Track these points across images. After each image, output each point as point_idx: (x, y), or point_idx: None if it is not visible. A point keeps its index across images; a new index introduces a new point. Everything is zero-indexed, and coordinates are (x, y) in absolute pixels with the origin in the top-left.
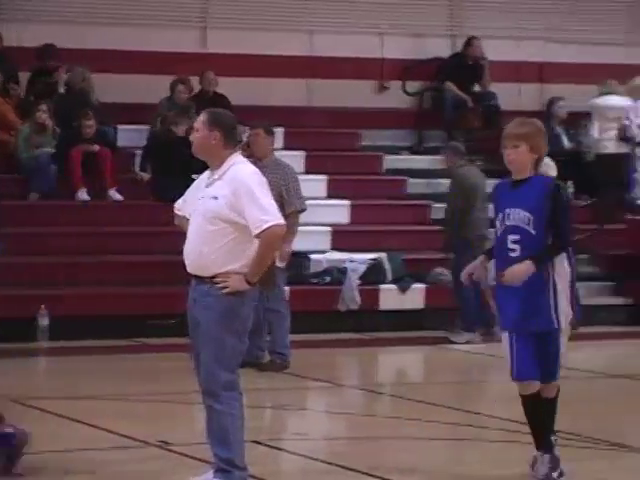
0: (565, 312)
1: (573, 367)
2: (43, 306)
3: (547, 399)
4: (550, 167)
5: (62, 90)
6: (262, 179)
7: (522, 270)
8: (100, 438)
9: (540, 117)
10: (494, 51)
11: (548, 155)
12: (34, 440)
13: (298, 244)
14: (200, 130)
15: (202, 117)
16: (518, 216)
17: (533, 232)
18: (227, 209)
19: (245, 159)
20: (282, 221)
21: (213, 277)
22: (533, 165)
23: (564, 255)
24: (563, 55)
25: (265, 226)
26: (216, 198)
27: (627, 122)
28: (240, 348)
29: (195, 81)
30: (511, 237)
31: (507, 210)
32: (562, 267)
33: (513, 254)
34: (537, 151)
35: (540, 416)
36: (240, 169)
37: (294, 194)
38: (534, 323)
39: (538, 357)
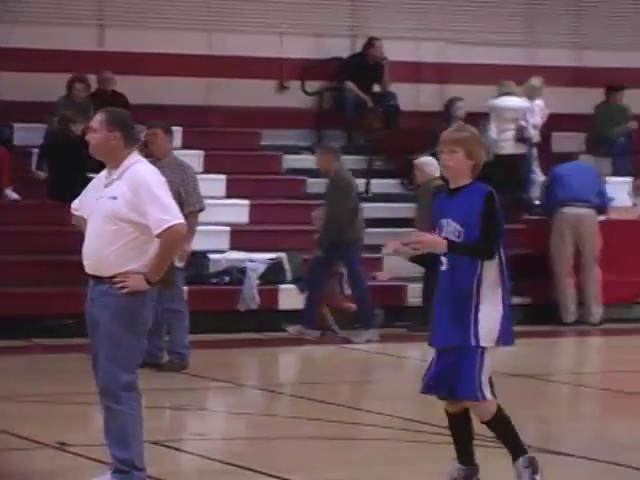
0: (489, 328)
1: None
2: None
3: (485, 422)
4: (435, 167)
5: None
6: (161, 179)
7: (431, 240)
8: None
9: (439, 117)
10: (394, 52)
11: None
12: None
13: (197, 244)
14: (98, 130)
15: (100, 117)
16: (449, 228)
17: None
18: (126, 209)
19: (143, 159)
20: (183, 220)
21: (112, 277)
22: (471, 172)
23: (495, 268)
24: (462, 56)
25: (166, 225)
26: (115, 198)
27: (524, 123)
28: (139, 348)
29: (93, 80)
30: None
31: (442, 221)
32: (491, 280)
33: (442, 268)
34: (474, 158)
35: (458, 432)
36: (139, 169)
37: (193, 194)
38: (450, 338)
39: (450, 373)
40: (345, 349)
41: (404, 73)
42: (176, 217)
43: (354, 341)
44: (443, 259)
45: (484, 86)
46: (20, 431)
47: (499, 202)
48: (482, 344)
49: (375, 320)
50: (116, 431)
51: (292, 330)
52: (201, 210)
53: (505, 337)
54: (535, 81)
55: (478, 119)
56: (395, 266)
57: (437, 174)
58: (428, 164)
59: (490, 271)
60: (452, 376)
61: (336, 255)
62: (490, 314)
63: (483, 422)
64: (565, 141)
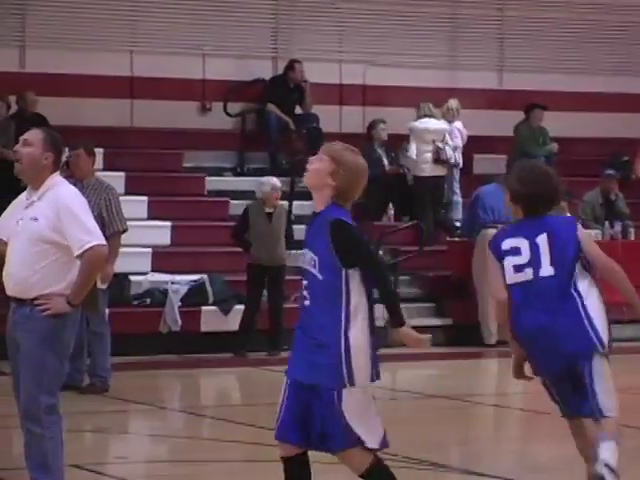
0: (360, 367)
1: (392, 388)
2: None
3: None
4: None
5: None
6: (83, 200)
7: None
8: None
9: (362, 139)
10: (316, 74)
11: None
12: None
13: (119, 265)
14: (35, 146)
15: (40, 135)
16: (306, 257)
17: (320, 277)
18: (48, 230)
19: (64, 180)
20: (104, 242)
21: (34, 299)
22: (334, 194)
23: (363, 296)
24: (384, 78)
25: (87, 246)
26: (36, 219)
27: (441, 145)
28: (61, 371)
29: (12, 100)
30: (304, 282)
31: (304, 250)
32: (358, 314)
33: (305, 302)
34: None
35: None
36: (61, 190)
37: (116, 215)
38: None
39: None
40: (266, 370)
41: (326, 95)
42: (97, 238)
43: None
44: (305, 293)
45: (406, 108)
46: None
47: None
48: (354, 383)
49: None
50: (37, 455)
51: None
52: (124, 231)
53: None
54: (453, 103)
55: (399, 141)
56: None
57: None
58: None
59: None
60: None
61: None
62: (363, 352)
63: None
64: (487, 163)
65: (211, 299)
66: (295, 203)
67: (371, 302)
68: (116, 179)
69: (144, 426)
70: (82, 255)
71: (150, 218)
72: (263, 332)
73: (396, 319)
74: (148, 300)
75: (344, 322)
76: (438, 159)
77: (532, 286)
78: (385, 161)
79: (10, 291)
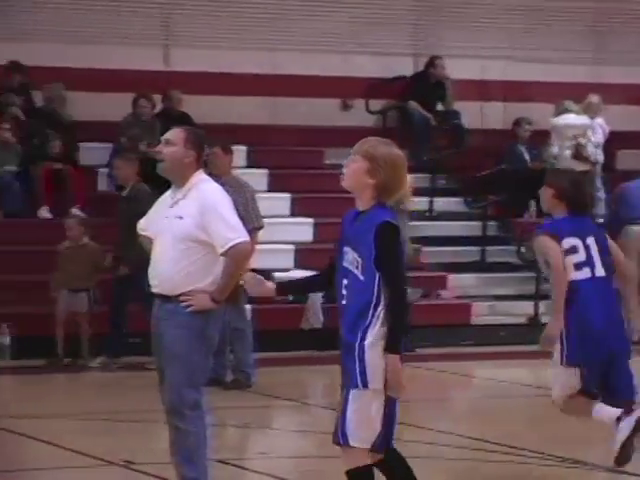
0: (375, 371)
1: (530, 384)
2: (6, 324)
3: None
4: None
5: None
6: (227, 197)
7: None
8: (64, 457)
9: (503, 135)
10: (458, 70)
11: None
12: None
13: (261, 262)
14: (177, 145)
15: (182, 134)
16: (348, 256)
17: (361, 278)
18: (193, 228)
19: (208, 177)
20: (248, 239)
21: (179, 296)
22: (375, 193)
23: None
24: (527, 74)
25: (232, 244)
26: (181, 218)
27: (582, 141)
28: (206, 367)
29: (158, 99)
30: (344, 281)
31: (345, 248)
32: (383, 318)
33: (343, 301)
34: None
35: None
36: (205, 188)
37: (252, 212)
38: None
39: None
40: (414, 369)
41: (467, 91)
42: (241, 235)
43: (89, 365)
44: (344, 292)
45: (547, 104)
46: (86, 449)
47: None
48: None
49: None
50: (183, 450)
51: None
52: (260, 228)
53: None
54: (594, 98)
55: (540, 137)
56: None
57: None
58: None
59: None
60: None
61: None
62: None
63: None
64: (630, 159)
65: None
66: (436, 200)
67: None
68: (259, 176)
69: (288, 422)
70: (226, 253)
71: (293, 215)
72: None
73: (392, 344)
74: (290, 297)
75: (368, 325)
76: (579, 155)
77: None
78: (527, 157)
79: (155, 288)
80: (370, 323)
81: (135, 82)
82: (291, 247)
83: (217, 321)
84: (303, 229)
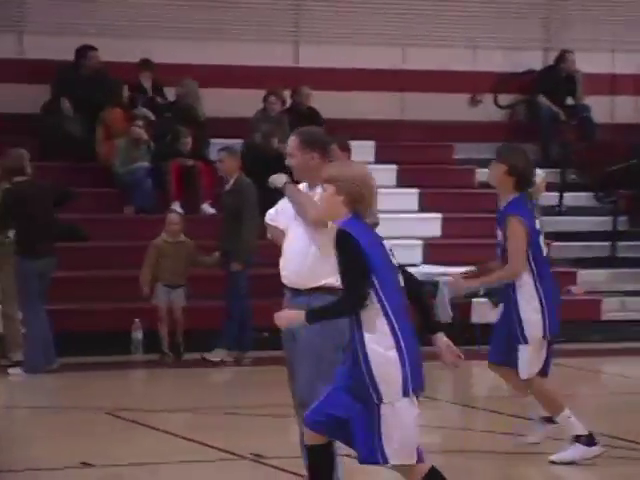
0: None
1: None
2: (137, 320)
3: None
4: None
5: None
6: None
7: (289, 317)
8: (195, 451)
9: (635, 129)
10: (588, 64)
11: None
12: (130, 453)
13: None
14: (295, 155)
15: (294, 142)
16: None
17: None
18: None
19: None
20: None
21: (311, 290)
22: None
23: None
24: None
25: None
26: None
27: None
28: (337, 361)
29: (287, 95)
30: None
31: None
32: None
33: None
34: None
35: None
36: None
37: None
38: None
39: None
40: None
41: (598, 85)
42: None
43: (207, 358)
44: None
45: None
46: (217, 443)
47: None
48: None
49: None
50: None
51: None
52: (376, 225)
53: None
54: None
55: None
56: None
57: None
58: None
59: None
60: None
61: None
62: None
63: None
64: None
65: (482, 291)
66: (565, 195)
67: (398, 312)
68: (387, 172)
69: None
70: None
71: (421, 210)
72: None
73: (310, 314)
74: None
75: (358, 335)
76: None
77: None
78: None
79: (286, 280)
80: (360, 334)
81: (265, 78)
82: (419, 242)
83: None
84: (431, 224)
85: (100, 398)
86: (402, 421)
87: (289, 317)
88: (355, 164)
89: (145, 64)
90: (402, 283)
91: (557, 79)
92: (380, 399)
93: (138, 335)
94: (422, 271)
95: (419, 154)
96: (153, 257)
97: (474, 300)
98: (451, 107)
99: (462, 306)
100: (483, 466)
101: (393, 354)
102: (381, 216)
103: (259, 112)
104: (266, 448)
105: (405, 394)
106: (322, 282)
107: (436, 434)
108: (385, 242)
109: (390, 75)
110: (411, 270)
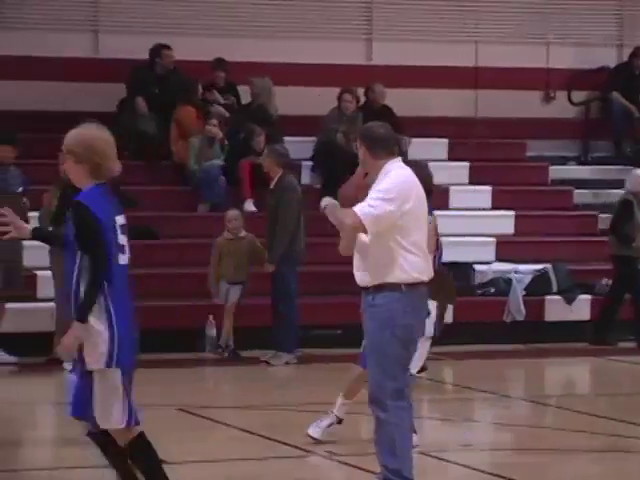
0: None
1: None
2: (211, 317)
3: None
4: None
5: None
6: (398, 180)
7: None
8: (269, 448)
9: None
10: None
11: None
12: (203, 450)
13: (463, 255)
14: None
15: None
16: None
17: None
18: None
19: (403, 164)
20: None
21: (374, 287)
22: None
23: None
24: None
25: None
26: None
27: None
28: (404, 356)
29: (360, 92)
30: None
31: None
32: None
33: None
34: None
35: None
36: (392, 174)
37: None
38: None
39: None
40: (610, 361)
41: None
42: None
43: (272, 363)
44: None
45: None
46: (290, 440)
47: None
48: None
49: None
50: (385, 440)
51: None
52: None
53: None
54: None
55: None
56: None
57: None
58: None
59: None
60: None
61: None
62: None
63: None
64: None
65: (555, 288)
66: None
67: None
68: (460, 169)
69: (489, 414)
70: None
71: (494, 207)
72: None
73: (77, 312)
74: (492, 289)
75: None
76: None
77: None
78: None
79: (357, 279)
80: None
81: (337, 76)
82: (492, 240)
83: (413, 310)
84: (504, 221)
85: (172, 395)
86: (109, 389)
87: (68, 345)
88: (91, 129)
89: (219, 63)
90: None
91: (631, 76)
92: (86, 366)
93: (212, 332)
94: (495, 268)
95: (491, 151)
96: (216, 256)
97: (547, 298)
98: (524, 104)
99: (535, 303)
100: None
101: (103, 329)
102: (454, 213)
103: (333, 110)
104: (339, 445)
105: (109, 365)
106: (386, 279)
107: (508, 432)
108: (120, 217)
109: (463, 72)
110: (484, 268)
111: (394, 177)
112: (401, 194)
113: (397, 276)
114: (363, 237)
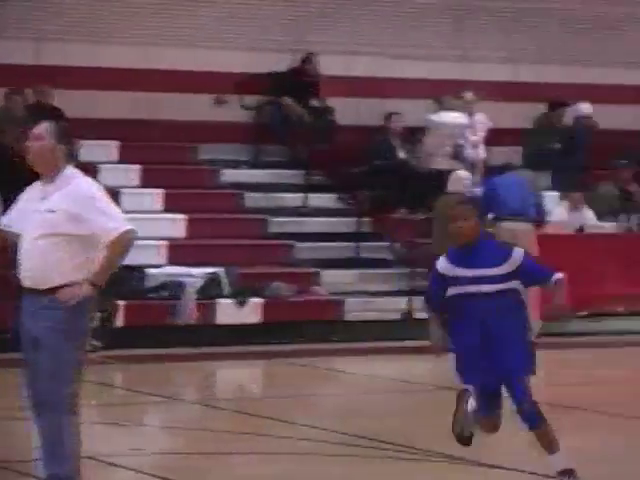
0: None
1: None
2: None
3: None
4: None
5: None
6: (102, 189)
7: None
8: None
9: (379, 132)
10: (332, 66)
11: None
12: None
13: (134, 258)
14: (46, 139)
15: (48, 128)
16: None
17: None
18: (66, 222)
19: (79, 171)
20: (132, 227)
21: (51, 290)
22: None
23: None
24: (402, 70)
25: (115, 233)
26: (53, 211)
27: (461, 141)
28: (79, 361)
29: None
30: None
31: None
32: None
33: None
34: None
35: None
36: (80, 182)
37: None
38: None
39: None
40: (282, 363)
41: (343, 88)
42: (124, 224)
43: None
44: None
45: (423, 100)
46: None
47: None
48: None
49: None
50: (53, 446)
51: None
52: None
53: None
54: (469, 95)
55: (416, 133)
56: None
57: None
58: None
59: None
60: None
61: None
62: None
63: None
64: (501, 155)
65: (226, 291)
66: (310, 196)
67: None
68: (131, 172)
69: (160, 418)
70: (113, 241)
71: (165, 211)
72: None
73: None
74: (164, 293)
75: None
76: (455, 156)
77: None
78: (400, 152)
79: (29, 282)
80: None
81: (5, 76)
82: (164, 243)
83: (88, 314)
84: (175, 225)
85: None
86: None
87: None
88: None
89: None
90: None
91: (302, 81)
92: None
93: None
94: (166, 272)
95: (163, 154)
96: None
97: (219, 301)
98: (195, 107)
99: (207, 306)
100: None
101: None
102: (125, 217)
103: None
104: (4, 452)
105: None
106: (64, 282)
107: (176, 435)
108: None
109: (134, 74)
110: (155, 271)
111: (96, 185)
112: None
113: (81, 278)
114: None
